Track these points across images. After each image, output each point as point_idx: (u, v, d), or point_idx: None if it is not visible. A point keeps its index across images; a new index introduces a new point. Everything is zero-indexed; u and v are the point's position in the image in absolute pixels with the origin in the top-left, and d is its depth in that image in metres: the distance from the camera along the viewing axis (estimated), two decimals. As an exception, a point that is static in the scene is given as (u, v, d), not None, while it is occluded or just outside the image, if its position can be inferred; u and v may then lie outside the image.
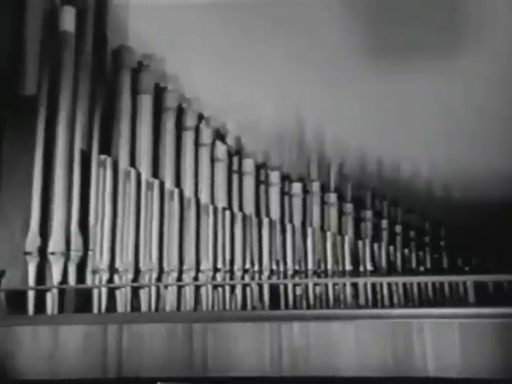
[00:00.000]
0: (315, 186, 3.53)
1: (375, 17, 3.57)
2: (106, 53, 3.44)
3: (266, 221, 3.38)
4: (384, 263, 3.39)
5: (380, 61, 3.52)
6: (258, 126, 3.58)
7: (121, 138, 3.32)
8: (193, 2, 3.59)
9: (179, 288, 3.14)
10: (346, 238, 3.40)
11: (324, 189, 3.55)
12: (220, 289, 3.18)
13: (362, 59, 3.53)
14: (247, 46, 3.54)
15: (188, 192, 3.34)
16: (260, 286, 3.21)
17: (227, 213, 3.33)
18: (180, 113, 3.47)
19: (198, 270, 3.20)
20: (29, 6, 3.44)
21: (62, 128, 3.22)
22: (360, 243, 3.41)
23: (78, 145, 3.23)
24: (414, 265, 3.46)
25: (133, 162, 3.31)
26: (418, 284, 3.29)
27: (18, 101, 3.34)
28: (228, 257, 3.26)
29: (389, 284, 3.27)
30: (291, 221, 3.45)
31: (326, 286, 3.25)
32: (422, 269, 3.45)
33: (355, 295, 3.24)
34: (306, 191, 3.52)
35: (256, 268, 3.28)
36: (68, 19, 3.31)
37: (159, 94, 3.46)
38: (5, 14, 3.41)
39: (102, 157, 3.24)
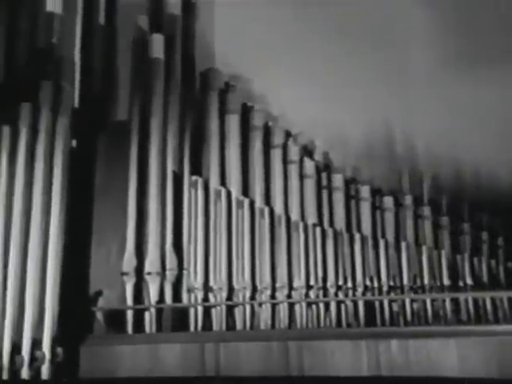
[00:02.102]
0: (408, 200, 3.43)
1: (465, 25, 3.46)
2: (194, 76, 3.52)
3: (357, 236, 3.31)
4: (485, 277, 3.24)
5: (473, 70, 3.40)
6: (346, 141, 3.54)
7: (211, 158, 3.37)
8: (276, 21, 3.61)
9: (273, 306, 3.12)
10: (443, 252, 3.27)
11: (417, 202, 3.44)
12: (314, 306, 3.14)
13: (454, 68, 3.42)
14: (333, 61, 3.52)
15: (278, 209, 3.33)
16: (354, 303, 3.14)
17: (318, 229, 3.29)
18: (267, 131, 3.48)
19: (291, 287, 3.17)
20: (119, 35, 3.58)
21: (154, 151, 3.30)
22: (458, 257, 3.27)
23: (170, 166, 3.30)
24: (519, 278, 3.29)
25: (223, 182, 3.34)
26: (525, 298, 3.11)
27: (110, 126, 3.46)
28: (320, 274, 3.22)
29: (492, 299, 3.10)
30: (384, 236, 3.36)
31: (424, 301, 3.13)
32: (528, 282, 3.26)
33: (456, 311, 3.10)
34: (398, 205, 3.43)
35: (349, 284, 3.21)
36: (157, 46, 3.41)
37: (246, 113, 3.49)
38: (97, 43, 3.57)
39: (194, 177, 3.29)
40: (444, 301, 3.12)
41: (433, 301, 3.13)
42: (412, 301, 3.14)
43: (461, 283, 3.22)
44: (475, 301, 3.11)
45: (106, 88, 3.53)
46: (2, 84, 3.19)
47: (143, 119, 3.35)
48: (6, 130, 3.06)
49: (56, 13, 3.39)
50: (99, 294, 3.16)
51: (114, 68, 3.56)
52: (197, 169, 3.35)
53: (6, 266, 2.90)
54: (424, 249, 3.29)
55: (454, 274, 3.23)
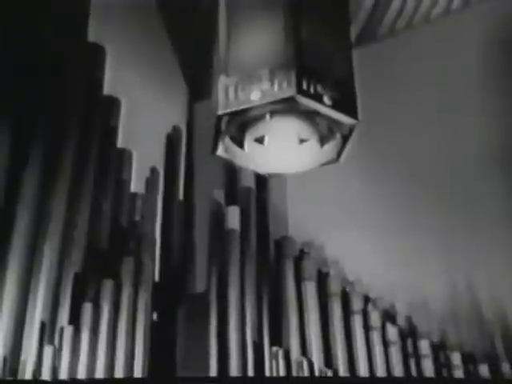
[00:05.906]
0: (505, 367, 3.19)
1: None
2: (268, 244, 3.57)
3: (454, 408, 3.06)
4: None
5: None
6: (429, 303, 3.41)
7: (290, 327, 3.29)
8: (345, 185, 3.70)
9: None
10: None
11: (516, 368, 3.20)
12: None
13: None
14: (406, 219, 3.52)
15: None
16: None
17: (409, 401, 3.08)
18: (345, 297, 3.42)
19: None
20: (197, 209, 3.74)
21: (233, 321, 3.25)
22: None
23: (250, 337, 3.23)
24: None
25: (304, 351, 3.23)
26: None
27: (189, 298, 3.47)
28: None
29: None
30: (485, 407, 3.10)
31: None
32: None
33: None
34: (494, 373, 3.19)
35: None
36: (233, 218, 3.51)
37: (322, 279, 3.46)
38: (176, 218, 3.71)
39: (274, 348, 3.19)
40: None
41: None
42: None
43: None
44: None
45: (185, 261, 3.60)
46: (84, 262, 3.28)
47: (221, 290, 3.35)
48: (88, 306, 3.10)
49: (139, 193, 3.59)
50: None
51: (192, 241, 3.66)
52: (277, 339, 3.26)
53: None
54: (535, 420, 2.99)
55: None
